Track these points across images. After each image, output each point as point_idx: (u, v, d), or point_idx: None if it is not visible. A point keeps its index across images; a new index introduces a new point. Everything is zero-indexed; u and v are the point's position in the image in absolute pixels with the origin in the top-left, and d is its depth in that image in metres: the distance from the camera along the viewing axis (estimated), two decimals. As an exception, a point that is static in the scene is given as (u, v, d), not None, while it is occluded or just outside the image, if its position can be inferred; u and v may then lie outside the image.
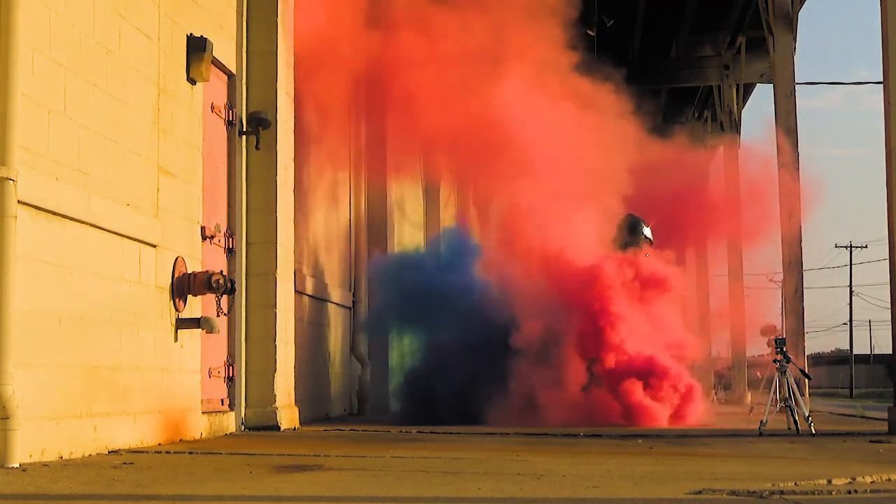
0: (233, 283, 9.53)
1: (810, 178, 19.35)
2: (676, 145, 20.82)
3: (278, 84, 10.96)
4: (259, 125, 10.73)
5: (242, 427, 10.50)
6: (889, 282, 11.52)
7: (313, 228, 14.19)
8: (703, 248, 29.92)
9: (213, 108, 10.14)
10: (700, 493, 5.53)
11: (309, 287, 13.61)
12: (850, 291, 76.30)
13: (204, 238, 9.76)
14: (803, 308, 18.66)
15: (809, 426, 11.14)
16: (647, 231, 15.81)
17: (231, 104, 10.61)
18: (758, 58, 24.10)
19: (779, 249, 18.84)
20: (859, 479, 6.25)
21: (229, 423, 10.24)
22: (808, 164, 22.16)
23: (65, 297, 7.13)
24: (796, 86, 18.98)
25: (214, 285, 9.21)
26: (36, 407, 6.70)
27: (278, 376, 10.71)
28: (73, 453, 7.14)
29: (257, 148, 10.76)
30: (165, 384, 8.71)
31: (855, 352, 76.73)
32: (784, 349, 11.61)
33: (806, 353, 18.85)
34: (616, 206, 14.74)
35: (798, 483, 5.94)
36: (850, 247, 75.70)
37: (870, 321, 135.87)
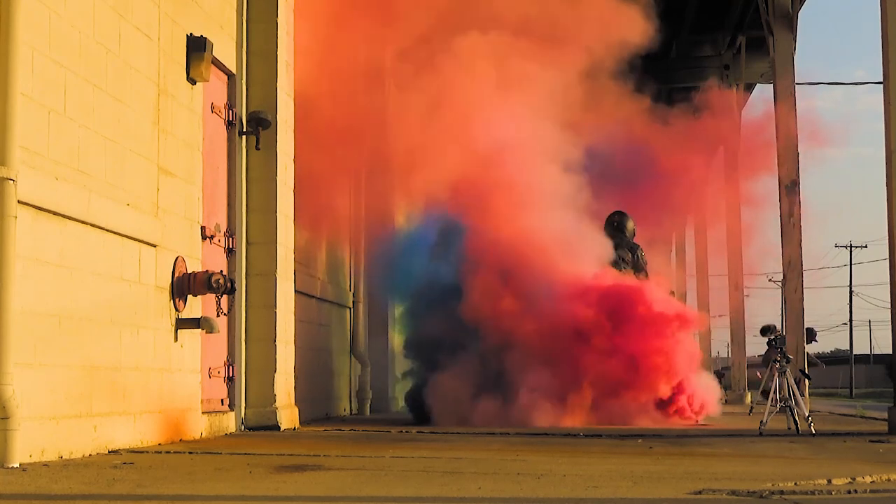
0: (233, 283, 9.53)
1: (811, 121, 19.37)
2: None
3: (278, 84, 10.96)
4: (259, 125, 10.73)
5: (242, 427, 10.50)
6: (889, 282, 11.52)
7: (314, 228, 14.18)
8: (702, 249, 29.94)
9: (213, 108, 10.14)
10: (700, 493, 5.52)
11: (309, 287, 13.61)
12: (850, 291, 76.34)
13: (204, 238, 9.76)
14: (803, 308, 18.67)
15: (809, 426, 11.14)
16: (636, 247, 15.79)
17: (231, 104, 10.61)
18: (758, 58, 24.09)
19: (779, 249, 18.86)
20: (859, 479, 6.25)
21: (229, 423, 10.23)
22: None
23: (65, 297, 7.13)
24: (796, 86, 19.00)
25: (214, 285, 9.21)
26: (36, 407, 6.70)
27: (278, 376, 10.71)
28: (73, 453, 7.14)
29: (257, 148, 10.76)
30: (165, 384, 8.71)
31: (855, 352, 76.74)
32: (784, 349, 11.62)
33: (806, 353, 18.86)
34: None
35: (798, 483, 5.94)
36: (850, 247, 75.75)
37: (870, 321, 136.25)
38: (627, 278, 14.60)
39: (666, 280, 15.30)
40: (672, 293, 16.37)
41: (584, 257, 14.01)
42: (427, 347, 13.96)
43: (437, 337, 13.71)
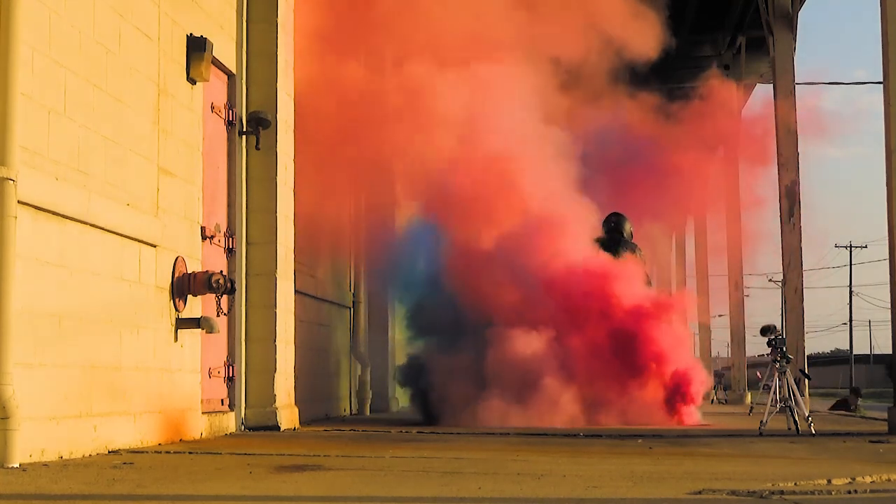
0: (233, 283, 9.53)
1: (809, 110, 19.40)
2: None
3: (278, 84, 10.97)
4: (259, 125, 10.73)
5: (242, 427, 10.50)
6: (889, 282, 11.52)
7: (314, 228, 14.18)
8: (703, 248, 29.93)
9: (213, 108, 10.14)
10: (700, 493, 5.52)
11: (309, 287, 13.61)
12: (850, 291, 76.38)
13: (204, 238, 9.76)
14: (803, 308, 18.69)
15: (809, 426, 11.14)
16: (630, 238, 15.76)
17: (231, 104, 10.61)
18: (758, 58, 24.11)
19: (779, 249, 18.88)
20: (859, 479, 6.24)
21: (229, 423, 10.24)
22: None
23: (65, 297, 7.13)
24: (797, 86, 19.02)
25: (214, 285, 9.21)
26: (36, 407, 6.70)
27: (278, 376, 10.71)
28: (73, 453, 7.14)
29: (257, 148, 10.77)
30: (165, 384, 8.71)
31: (855, 352, 76.77)
32: (784, 349, 11.61)
33: (805, 353, 18.87)
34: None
35: (798, 483, 5.93)
36: (850, 247, 75.82)
37: (870, 321, 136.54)
38: (603, 256, 14.50)
39: (643, 267, 15.16)
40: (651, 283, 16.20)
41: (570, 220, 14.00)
42: (428, 327, 13.99)
43: (436, 320, 13.74)
